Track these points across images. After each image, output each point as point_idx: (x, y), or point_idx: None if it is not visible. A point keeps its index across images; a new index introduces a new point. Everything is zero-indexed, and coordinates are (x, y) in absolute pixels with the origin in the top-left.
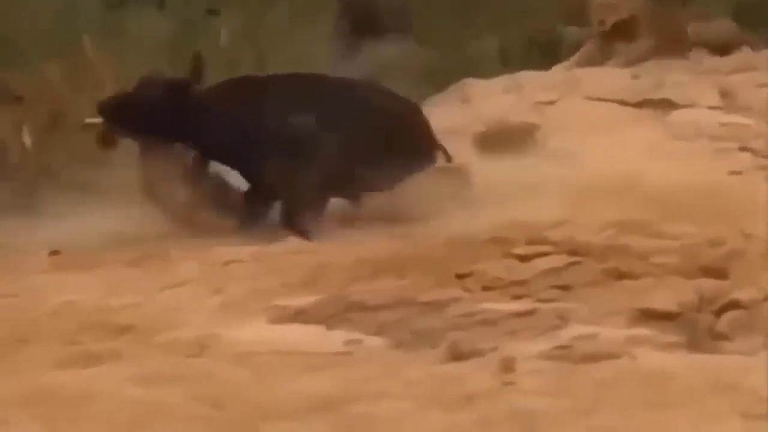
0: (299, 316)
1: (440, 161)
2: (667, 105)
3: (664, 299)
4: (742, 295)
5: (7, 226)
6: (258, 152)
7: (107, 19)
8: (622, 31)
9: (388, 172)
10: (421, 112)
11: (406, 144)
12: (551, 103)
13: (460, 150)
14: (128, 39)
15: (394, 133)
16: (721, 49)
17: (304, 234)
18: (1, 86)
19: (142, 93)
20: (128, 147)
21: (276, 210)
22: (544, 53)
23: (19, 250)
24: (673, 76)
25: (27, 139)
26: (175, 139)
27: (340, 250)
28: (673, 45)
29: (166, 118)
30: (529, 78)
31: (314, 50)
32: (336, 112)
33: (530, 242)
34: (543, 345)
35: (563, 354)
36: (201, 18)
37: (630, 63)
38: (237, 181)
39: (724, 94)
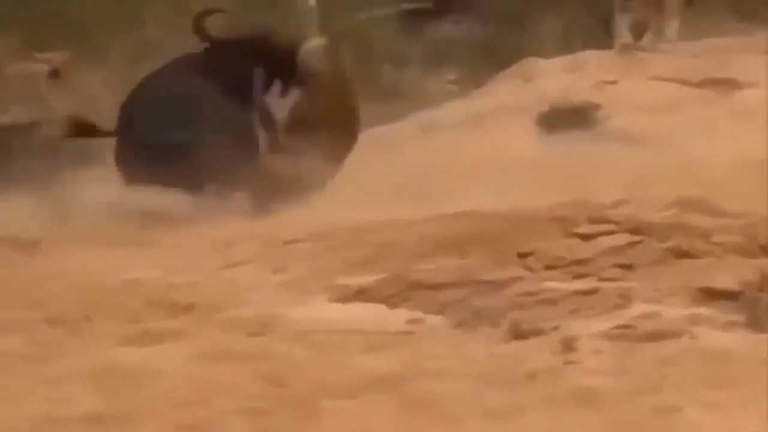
0: (360, 294)
1: None
2: (728, 85)
3: (725, 278)
4: None
5: None
6: None
7: None
8: None
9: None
10: None
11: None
12: (613, 82)
13: (522, 128)
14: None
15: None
16: None
17: None
18: None
19: None
20: None
21: None
22: (606, 32)
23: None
24: (734, 56)
25: None
26: None
27: (401, 228)
28: None
29: None
30: (590, 57)
31: (378, 30)
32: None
33: (592, 221)
34: (604, 324)
35: (625, 333)
36: None
37: None
38: None
39: None
